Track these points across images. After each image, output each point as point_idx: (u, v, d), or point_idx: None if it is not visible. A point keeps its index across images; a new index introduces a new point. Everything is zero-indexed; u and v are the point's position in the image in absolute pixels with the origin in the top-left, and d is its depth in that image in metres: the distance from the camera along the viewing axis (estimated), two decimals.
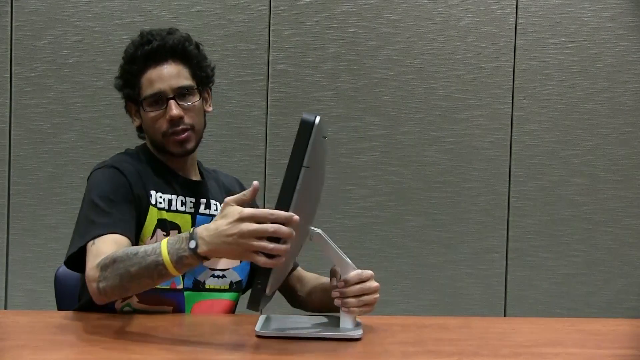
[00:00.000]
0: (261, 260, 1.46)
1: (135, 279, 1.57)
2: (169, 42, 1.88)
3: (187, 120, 1.88)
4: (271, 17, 3.05)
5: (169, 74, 1.87)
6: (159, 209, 1.85)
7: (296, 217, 1.47)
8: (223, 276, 1.91)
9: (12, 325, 1.75)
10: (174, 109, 1.85)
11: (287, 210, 1.52)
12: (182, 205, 1.89)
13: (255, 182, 1.55)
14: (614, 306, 3.16)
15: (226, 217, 1.48)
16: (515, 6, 3.10)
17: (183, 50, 1.90)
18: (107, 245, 1.68)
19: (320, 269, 3.06)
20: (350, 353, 1.62)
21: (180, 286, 1.85)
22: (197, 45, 1.97)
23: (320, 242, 1.73)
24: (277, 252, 1.46)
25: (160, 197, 1.86)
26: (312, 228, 1.74)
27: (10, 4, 2.99)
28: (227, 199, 1.53)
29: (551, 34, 3.12)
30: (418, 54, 3.10)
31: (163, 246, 1.54)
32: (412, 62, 3.10)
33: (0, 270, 3.01)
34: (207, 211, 1.92)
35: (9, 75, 3.00)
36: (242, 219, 1.46)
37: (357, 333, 1.69)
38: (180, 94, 1.88)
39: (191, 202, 1.91)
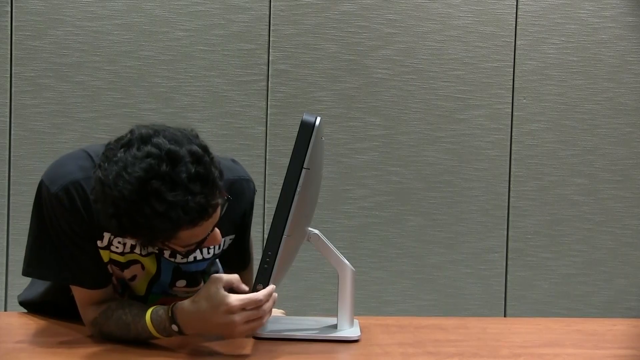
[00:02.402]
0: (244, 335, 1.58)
1: (131, 342, 1.62)
2: (215, 196, 1.48)
3: None
4: (271, 17, 3.05)
5: (212, 222, 1.53)
6: (113, 252, 1.65)
7: (273, 286, 1.56)
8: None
9: (8, 328, 1.75)
10: (219, 237, 1.58)
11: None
12: (143, 249, 1.66)
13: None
14: (614, 306, 3.15)
15: (213, 304, 1.52)
16: (515, 6, 3.10)
17: (222, 180, 1.53)
18: (92, 300, 1.65)
19: (320, 268, 3.07)
20: (350, 355, 1.62)
21: (143, 294, 1.76)
22: (211, 156, 1.51)
23: (317, 242, 1.73)
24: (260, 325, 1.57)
25: (119, 242, 1.64)
26: (310, 229, 1.74)
27: (10, 4, 2.98)
28: (216, 276, 1.55)
29: (551, 34, 3.12)
30: (418, 54, 3.10)
31: (151, 329, 1.58)
32: (412, 62, 3.10)
33: (0, 270, 3.01)
34: (171, 259, 1.71)
35: (9, 75, 3.00)
36: (232, 312, 1.52)
37: (355, 334, 1.69)
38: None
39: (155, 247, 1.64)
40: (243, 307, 1.52)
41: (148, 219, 1.42)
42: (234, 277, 1.57)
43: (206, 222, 1.49)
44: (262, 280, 1.57)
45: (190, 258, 1.73)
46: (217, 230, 1.56)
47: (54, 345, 1.62)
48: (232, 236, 1.79)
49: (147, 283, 1.72)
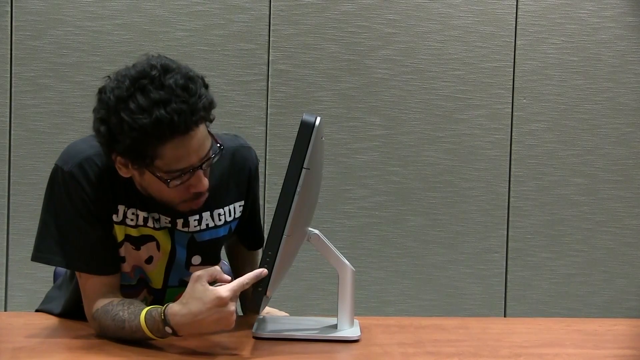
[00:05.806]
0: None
1: (127, 339, 1.62)
2: (198, 108, 1.53)
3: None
4: (271, 17, 3.05)
5: (198, 144, 1.56)
6: (128, 225, 1.68)
7: (265, 271, 1.56)
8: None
9: (8, 328, 1.75)
10: (205, 182, 1.60)
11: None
12: (155, 222, 1.70)
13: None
14: (614, 306, 3.16)
15: (204, 303, 1.52)
16: (515, 6, 3.10)
17: (209, 109, 1.58)
18: (97, 291, 1.67)
19: (320, 268, 3.07)
20: (350, 355, 1.62)
21: (161, 286, 1.78)
22: (207, 86, 1.61)
23: (317, 242, 1.73)
24: None
25: (132, 213, 1.68)
26: (310, 229, 1.74)
27: (10, 4, 2.99)
28: (197, 274, 1.55)
29: (551, 34, 3.12)
30: (418, 54, 3.10)
31: (145, 329, 1.57)
32: (412, 62, 3.10)
33: (0, 270, 3.01)
34: (185, 229, 1.74)
35: (9, 75, 3.00)
36: (225, 304, 1.51)
37: (355, 334, 1.69)
38: (206, 159, 1.60)
39: (166, 220, 1.71)
40: (234, 295, 1.53)
41: (132, 114, 1.49)
42: (214, 269, 1.57)
43: (189, 136, 1.53)
44: (262, 280, 1.57)
45: (203, 225, 1.75)
46: (201, 173, 1.58)
47: (54, 345, 1.62)
48: (242, 202, 1.82)
49: (164, 269, 1.74)
